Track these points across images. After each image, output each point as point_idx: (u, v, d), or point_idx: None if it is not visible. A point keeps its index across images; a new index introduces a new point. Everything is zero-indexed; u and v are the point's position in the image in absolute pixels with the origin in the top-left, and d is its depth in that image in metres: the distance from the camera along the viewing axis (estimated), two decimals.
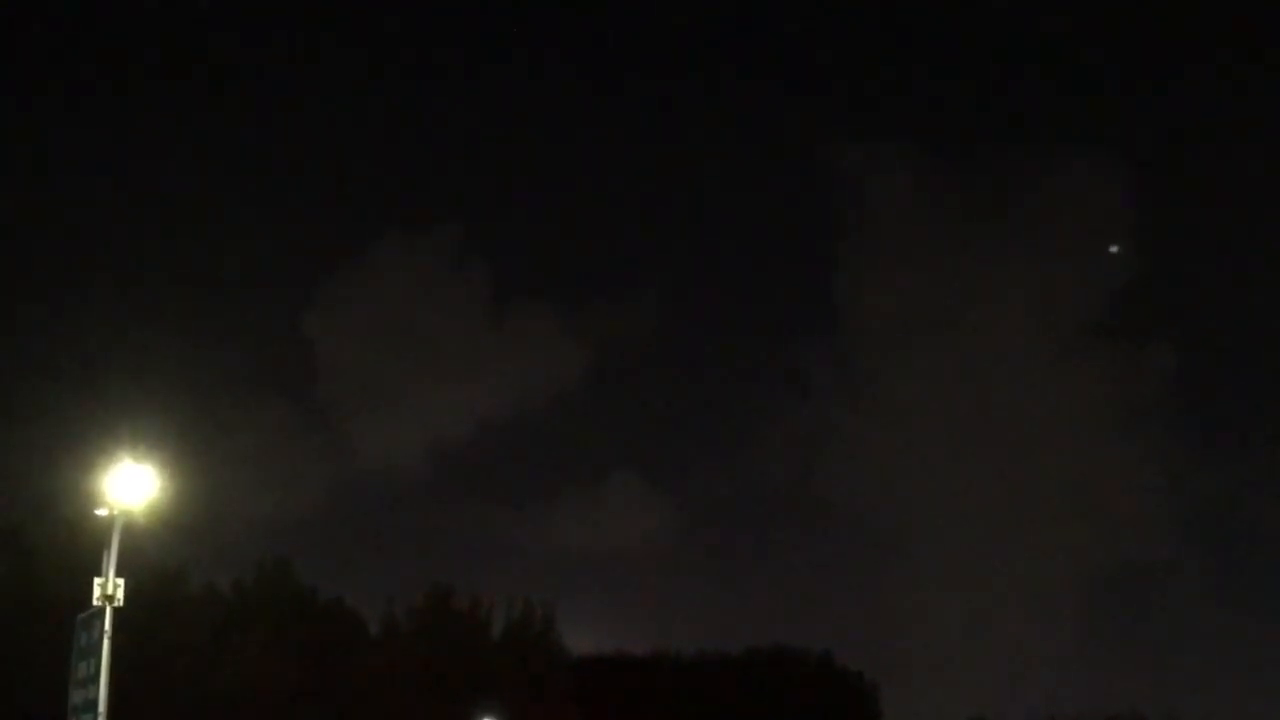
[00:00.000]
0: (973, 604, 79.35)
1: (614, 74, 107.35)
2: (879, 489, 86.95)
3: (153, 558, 41.11)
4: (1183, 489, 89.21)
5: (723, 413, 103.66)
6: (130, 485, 24.31)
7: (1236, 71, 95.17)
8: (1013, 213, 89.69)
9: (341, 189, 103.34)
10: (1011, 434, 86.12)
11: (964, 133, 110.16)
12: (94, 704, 23.11)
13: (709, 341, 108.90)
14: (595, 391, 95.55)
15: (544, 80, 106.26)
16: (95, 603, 23.78)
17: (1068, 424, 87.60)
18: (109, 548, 24.06)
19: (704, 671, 63.08)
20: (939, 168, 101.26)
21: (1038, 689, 72.46)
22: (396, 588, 55.53)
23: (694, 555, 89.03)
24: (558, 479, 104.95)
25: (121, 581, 23.86)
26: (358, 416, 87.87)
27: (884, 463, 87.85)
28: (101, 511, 24.44)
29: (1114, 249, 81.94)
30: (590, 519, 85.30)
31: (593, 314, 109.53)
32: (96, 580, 23.85)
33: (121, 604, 23.79)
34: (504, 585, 57.46)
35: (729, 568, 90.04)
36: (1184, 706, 62.61)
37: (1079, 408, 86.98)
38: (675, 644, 64.69)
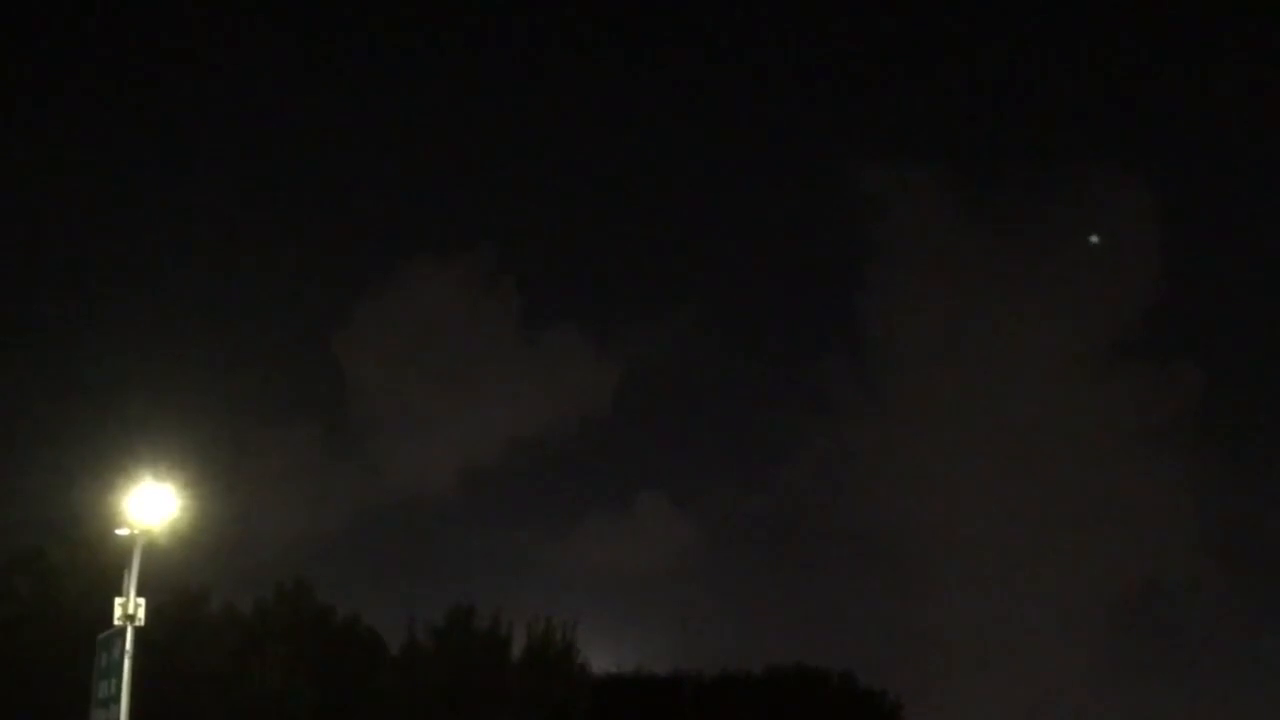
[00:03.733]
0: (997, 623, 78.69)
1: (642, 98, 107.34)
2: (903, 508, 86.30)
3: (174, 578, 41.19)
4: (1209, 507, 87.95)
5: (748, 433, 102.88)
6: (151, 505, 24.38)
7: (1268, 89, 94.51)
8: (1040, 232, 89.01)
9: (373, 210, 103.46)
10: (1037, 453, 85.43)
11: (991, 152, 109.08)
12: None
13: (735, 362, 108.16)
14: (624, 412, 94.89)
15: (573, 104, 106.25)
16: (116, 622, 23.85)
17: (1094, 443, 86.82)
18: (130, 568, 24.12)
19: (726, 691, 62.63)
20: (965, 187, 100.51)
21: (1063, 707, 71.65)
22: (424, 608, 55.19)
23: (717, 575, 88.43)
24: (585, 500, 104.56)
25: (142, 601, 23.94)
26: (387, 438, 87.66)
27: (908, 482, 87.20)
28: (122, 531, 24.50)
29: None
30: (616, 539, 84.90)
31: (623, 335, 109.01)
32: (117, 600, 23.92)
33: (142, 624, 23.84)
34: (529, 605, 56.93)
35: (752, 587, 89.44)
36: None
37: (1105, 427, 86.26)
38: (697, 664, 64.28)
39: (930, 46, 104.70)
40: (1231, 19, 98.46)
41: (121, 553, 24.54)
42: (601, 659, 59.32)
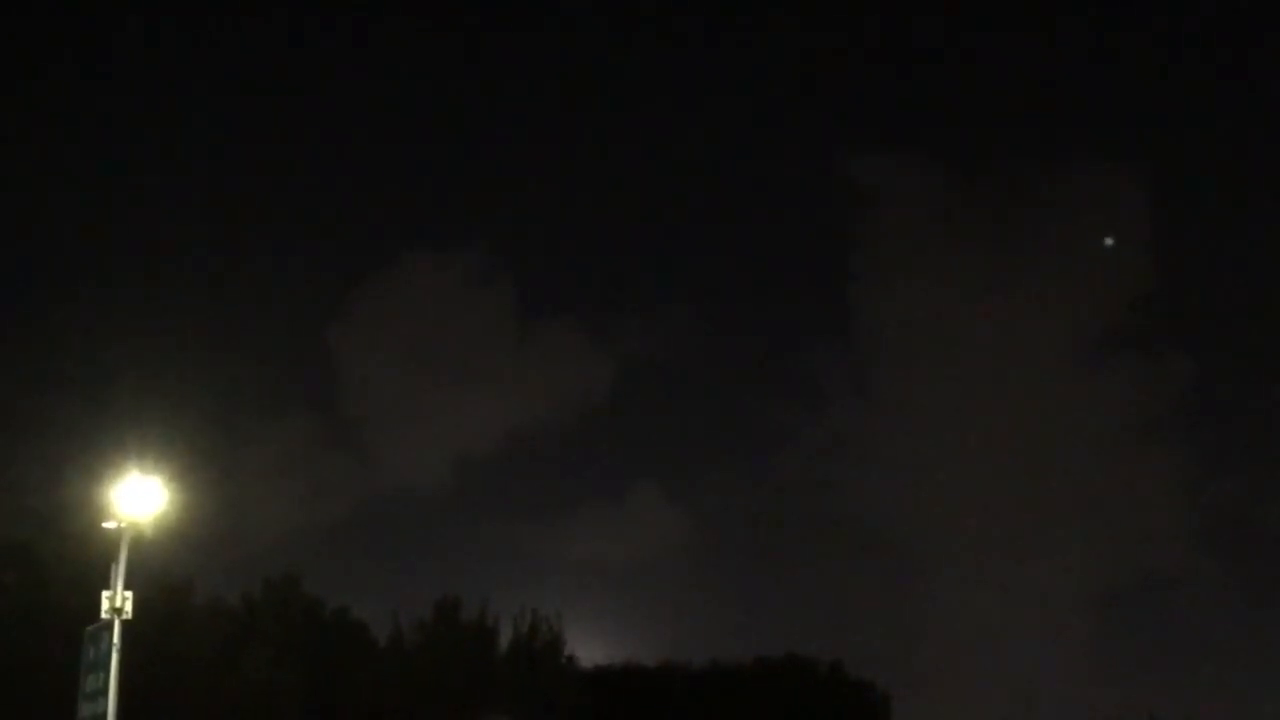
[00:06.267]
0: (987, 614, 78.92)
1: (634, 90, 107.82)
2: (893, 499, 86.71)
3: (162, 570, 41.08)
4: (1200, 499, 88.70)
5: (740, 424, 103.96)
6: (138, 498, 24.27)
7: (1259, 77, 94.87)
8: (1029, 222, 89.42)
9: (368, 202, 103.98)
10: (1027, 444, 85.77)
11: (979, 141, 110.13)
12: (102, 717, 23.05)
13: (728, 353, 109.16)
14: (619, 404, 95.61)
15: (565, 96, 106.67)
16: (104, 615, 23.75)
17: (1084, 434, 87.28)
18: (117, 561, 24.00)
19: (715, 682, 62.81)
20: (954, 177, 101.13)
21: (1052, 700, 71.83)
22: (416, 600, 55.32)
23: (707, 565, 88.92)
24: (580, 492, 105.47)
25: (130, 594, 23.81)
26: (381, 430, 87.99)
27: (898, 473, 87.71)
28: (110, 524, 24.39)
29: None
30: (609, 531, 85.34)
31: (618, 328, 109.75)
32: (105, 593, 23.81)
33: (130, 617, 23.73)
34: (520, 598, 57.17)
35: (742, 578, 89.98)
36: (1201, 717, 62.13)
37: (1095, 418, 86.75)
38: (686, 654, 64.48)
39: (921, 40, 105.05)
40: (1220, 11, 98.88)
41: (109, 545, 24.43)
42: (592, 651, 59.47)
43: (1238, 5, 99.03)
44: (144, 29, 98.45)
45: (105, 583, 23.94)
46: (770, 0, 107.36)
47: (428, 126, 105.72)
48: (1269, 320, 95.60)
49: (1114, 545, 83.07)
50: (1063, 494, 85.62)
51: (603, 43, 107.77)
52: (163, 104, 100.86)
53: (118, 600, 23.53)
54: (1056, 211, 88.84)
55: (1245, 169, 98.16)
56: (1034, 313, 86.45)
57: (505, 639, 54.90)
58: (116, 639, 23.20)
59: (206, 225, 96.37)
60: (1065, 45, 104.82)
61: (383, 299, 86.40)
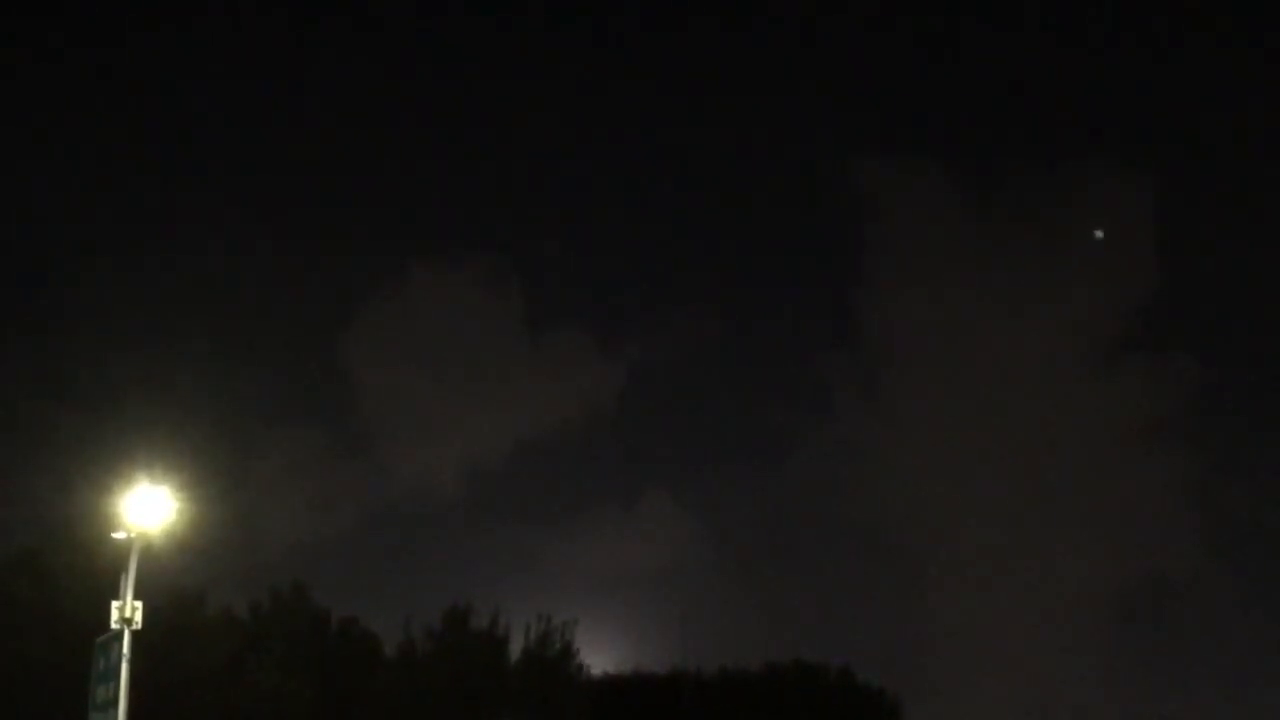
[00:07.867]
0: (996, 619, 78.78)
1: (642, 97, 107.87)
2: (901, 504, 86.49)
3: (172, 580, 41.08)
4: (1208, 503, 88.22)
5: (749, 430, 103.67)
6: (148, 508, 24.31)
7: (1265, 84, 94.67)
8: (1036, 226, 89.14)
9: (379, 213, 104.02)
10: (1035, 449, 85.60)
11: (989, 148, 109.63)
12: None
13: (736, 359, 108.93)
14: (630, 412, 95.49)
15: (572, 104, 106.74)
16: (113, 626, 23.78)
17: (1092, 439, 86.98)
18: (127, 571, 24.03)
19: (724, 689, 62.69)
20: (963, 183, 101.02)
21: (1062, 704, 71.69)
22: (427, 610, 55.18)
23: (717, 572, 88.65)
24: (589, 499, 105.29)
25: (139, 605, 23.84)
26: (392, 440, 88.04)
27: (906, 478, 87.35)
28: (120, 534, 24.42)
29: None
30: (620, 539, 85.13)
31: (626, 336, 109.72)
32: (114, 603, 23.83)
33: (139, 627, 23.74)
34: (530, 606, 56.95)
35: (751, 585, 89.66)
36: None
37: (1103, 422, 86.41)
38: (697, 662, 64.34)
39: (928, 43, 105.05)
40: (1226, 18, 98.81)
41: (119, 556, 24.46)
42: (601, 658, 59.36)
43: (1240, 5, 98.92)
44: (147, 37, 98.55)
45: (115, 593, 23.96)
46: (776, 5, 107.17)
47: (436, 135, 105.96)
48: (1277, 323, 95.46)
49: (1122, 549, 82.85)
50: (1071, 498, 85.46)
51: (609, 51, 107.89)
52: (171, 114, 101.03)
53: (127, 610, 23.56)
54: (1063, 215, 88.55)
55: (1251, 170, 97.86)
56: (1041, 316, 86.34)
57: (516, 648, 54.83)
58: (126, 649, 23.22)
59: (216, 234, 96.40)
60: (1077, 51, 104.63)
61: (392, 308, 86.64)
